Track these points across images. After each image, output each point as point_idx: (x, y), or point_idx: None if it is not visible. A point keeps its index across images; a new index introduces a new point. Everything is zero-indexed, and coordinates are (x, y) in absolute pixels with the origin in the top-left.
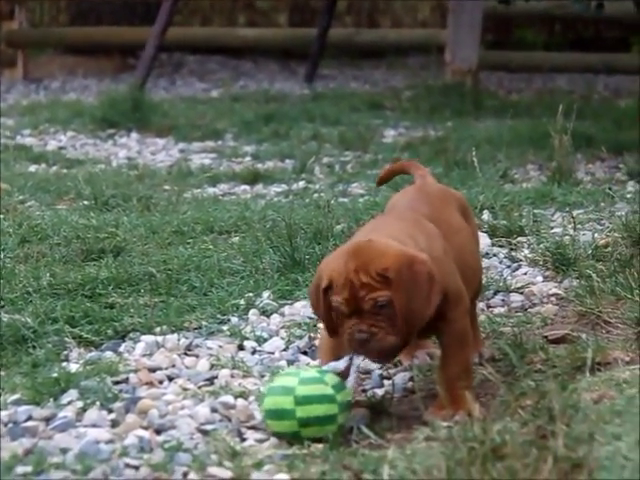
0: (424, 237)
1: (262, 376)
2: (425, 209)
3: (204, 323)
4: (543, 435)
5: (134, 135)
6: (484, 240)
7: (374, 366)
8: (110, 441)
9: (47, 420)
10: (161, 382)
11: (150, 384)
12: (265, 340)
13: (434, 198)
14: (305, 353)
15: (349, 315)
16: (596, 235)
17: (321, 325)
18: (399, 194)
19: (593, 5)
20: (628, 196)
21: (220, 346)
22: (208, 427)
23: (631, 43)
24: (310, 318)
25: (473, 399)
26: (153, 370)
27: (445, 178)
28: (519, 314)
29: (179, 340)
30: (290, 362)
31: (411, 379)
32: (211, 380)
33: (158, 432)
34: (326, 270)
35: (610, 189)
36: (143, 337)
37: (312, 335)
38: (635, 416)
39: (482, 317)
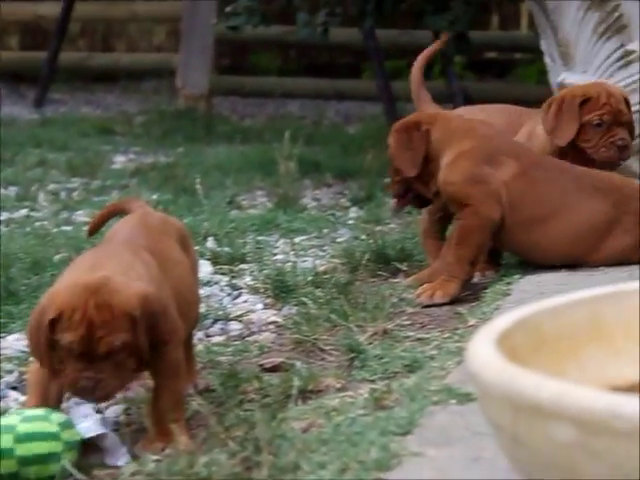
0: (143, 266)
1: None
2: (143, 240)
3: None
4: (249, 466)
5: None
6: (206, 268)
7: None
8: None
9: None
10: None
11: None
12: None
13: (154, 229)
14: (15, 388)
15: (77, 357)
16: (317, 262)
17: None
18: (119, 223)
19: (319, 31)
20: (350, 222)
21: None
22: None
23: (362, 70)
24: (22, 352)
25: (183, 431)
26: None
27: (173, 205)
28: (237, 343)
29: None
30: None
31: (125, 412)
32: None
33: None
34: (57, 302)
35: (333, 215)
36: None
37: (22, 370)
38: (340, 444)
39: (200, 347)
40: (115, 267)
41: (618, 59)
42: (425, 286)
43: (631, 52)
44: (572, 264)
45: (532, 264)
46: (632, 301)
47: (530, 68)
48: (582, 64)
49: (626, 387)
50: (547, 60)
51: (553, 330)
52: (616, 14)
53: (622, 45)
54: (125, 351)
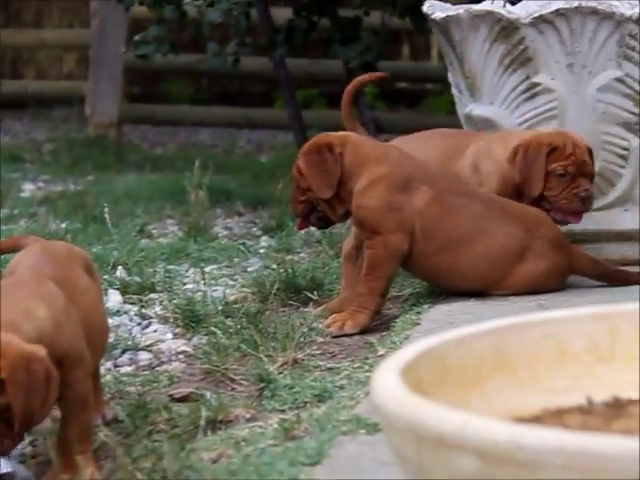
0: (43, 304)
1: None
2: (50, 270)
3: None
4: None
5: None
6: (115, 297)
7: None
8: None
9: None
10: None
11: None
12: None
13: (60, 258)
14: None
15: None
16: (227, 291)
17: None
18: (22, 254)
19: (230, 60)
20: (261, 251)
21: None
22: None
23: (274, 98)
24: None
25: (90, 463)
26: None
27: (82, 234)
28: (146, 373)
29: None
30: None
31: (31, 443)
32: None
33: None
34: None
35: (244, 244)
36: None
37: None
38: (249, 475)
39: (108, 377)
40: (6, 317)
41: (524, 91)
42: (335, 316)
43: (537, 84)
44: (482, 292)
45: (445, 291)
46: (535, 332)
47: (440, 99)
48: (489, 96)
49: (529, 418)
50: (454, 91)
51: (458, 361)
52: (521, 47)
53: (528, 77)
54: (9, 412)
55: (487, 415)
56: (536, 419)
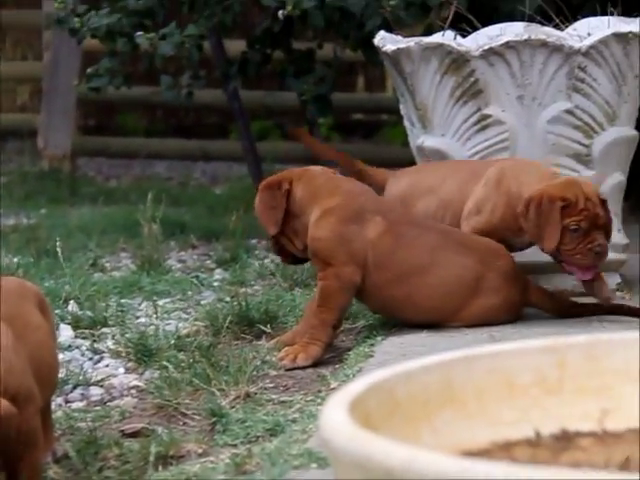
0: None
1: None
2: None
3: None
4: None
5: None
6: (67, 332)
7: None
8: None
9: None
10: None
11: None
12: None
13: (11, 294)
14: None
15: None
16: (180, 325)
17: None
18: None
19: (183, 93)
20: (215, 284)
21: None
22: None
23: (229, 130)
24: None
25: None
26: None
27: (34, 268)
28: (98, 408)
29: None
30: None
31: None
32: None
33: None
34: None
35: (197, 277)
36: None
37: None
38: None
39: (59, 413)
40: None
41: (475, 123)
42: (288, 349)
43: (487, 116)
44: (436, 324)
45: (399, 323)
46: (483, 364)
47: (395, 130)
48: (440, 127)
49: (478, 451)
50: (406, 123)
51: (406, 395)
52: (472, 79)
53: (479, 109)
54: None
55: (436, 449)
56: (485, 452)
